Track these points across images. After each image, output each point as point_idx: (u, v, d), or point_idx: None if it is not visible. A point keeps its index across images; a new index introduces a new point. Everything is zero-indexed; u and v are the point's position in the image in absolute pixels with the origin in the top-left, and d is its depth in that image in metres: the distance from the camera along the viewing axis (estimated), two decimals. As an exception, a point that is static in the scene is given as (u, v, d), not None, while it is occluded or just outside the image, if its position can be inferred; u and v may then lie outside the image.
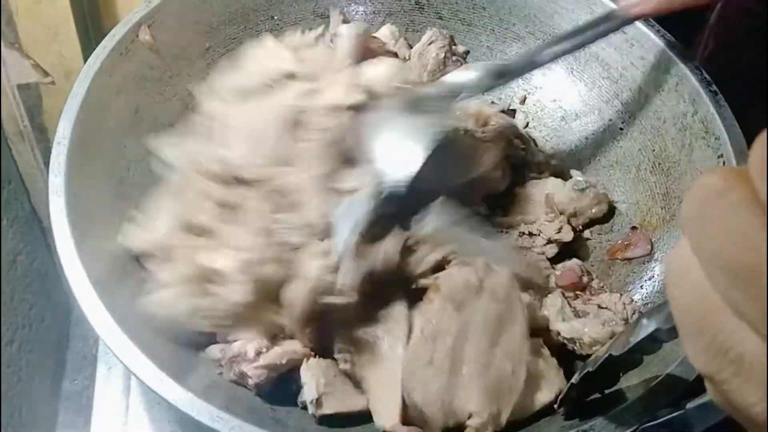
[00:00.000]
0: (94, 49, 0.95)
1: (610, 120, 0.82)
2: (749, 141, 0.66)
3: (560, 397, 0.60)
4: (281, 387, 0.63)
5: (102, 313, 0.58)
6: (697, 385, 0.55)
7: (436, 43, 0.86)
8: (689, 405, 0.50)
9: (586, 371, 0.55)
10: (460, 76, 0.69)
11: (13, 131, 1.06)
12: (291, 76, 0.72)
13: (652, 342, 0.49)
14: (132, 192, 0.72)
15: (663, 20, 0.76)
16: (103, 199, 0.70)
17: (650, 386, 0.56)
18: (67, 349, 1.30)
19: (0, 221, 1.04)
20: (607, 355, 0.52)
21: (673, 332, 0.48)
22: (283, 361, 0.62)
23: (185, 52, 0.81)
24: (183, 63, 0.81)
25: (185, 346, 0.64)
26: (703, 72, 0.73)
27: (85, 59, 0.98)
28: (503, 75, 0.69)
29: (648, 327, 0.48)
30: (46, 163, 1.12)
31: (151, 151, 0.72)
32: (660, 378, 0.56)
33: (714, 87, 0.72)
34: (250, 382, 0.63)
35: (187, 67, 0.81)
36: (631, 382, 0.60)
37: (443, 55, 0.85)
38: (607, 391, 0.61)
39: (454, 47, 0.88)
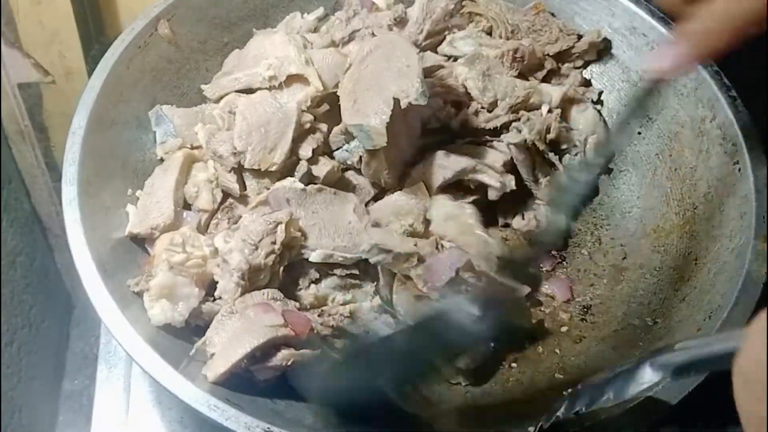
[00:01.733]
0: (94, 48, 0.98)
1: (629, 123, 0.82)
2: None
3: (539, 425, 0.58)
4: (284, 381, 0.64)
5: (108, 303, 0.60)
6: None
7: None
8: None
9: (576, 411, 0.53)
10: None
11: (13, 131, 1.09)
12: (297, 78, 0.76)
13: None
14: (145, 182, 0.74)
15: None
16: (116, 189, 0.72)
17: (626, 408, 0.55)
18: (67, 349, 1.33)
19: (0, 221, 1.06)
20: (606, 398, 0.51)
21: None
22: (288, 363, 0.63)
23: (203, 47, 0.84)
24: (201, 57, 0.85)
25: (186, 336, 0.65)
26: (723, 77, 0.73)
27: (86, 59, 1.02)
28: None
29: (654, 377, 0.48)
30: (47, 163, 1.17)
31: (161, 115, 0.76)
32: (638, 401, 0.55)
33: (733, 92, 0.74)
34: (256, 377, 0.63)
35: (205, 62, 0.85)
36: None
37: (453, 6, 0.84)
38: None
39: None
